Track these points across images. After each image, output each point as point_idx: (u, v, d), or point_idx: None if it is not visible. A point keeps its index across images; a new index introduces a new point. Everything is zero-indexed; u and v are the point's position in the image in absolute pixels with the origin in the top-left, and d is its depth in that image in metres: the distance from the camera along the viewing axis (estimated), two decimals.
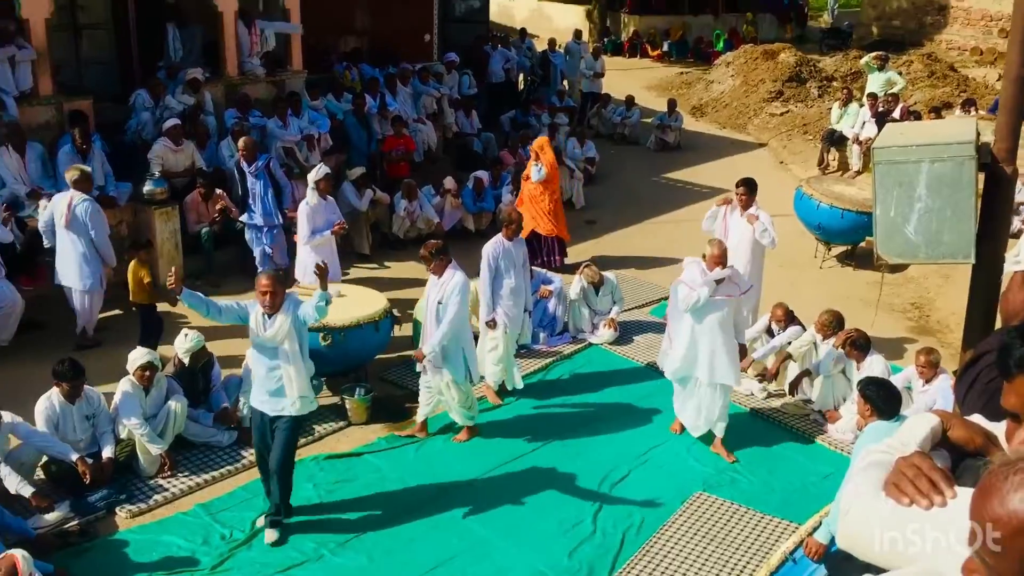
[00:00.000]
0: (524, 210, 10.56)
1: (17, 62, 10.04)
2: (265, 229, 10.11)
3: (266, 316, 6.04)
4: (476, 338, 8.35)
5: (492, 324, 8.09)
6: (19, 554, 5.05)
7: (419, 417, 7.65)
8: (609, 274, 9.87)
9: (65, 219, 8.53)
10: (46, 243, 8.83)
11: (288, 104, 12.00)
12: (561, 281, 9.72)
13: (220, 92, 12.04)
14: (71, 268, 8.66)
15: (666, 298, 10.06)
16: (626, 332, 9.66)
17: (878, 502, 1.71)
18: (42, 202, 9.33)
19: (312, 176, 9.62)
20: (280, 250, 10.29)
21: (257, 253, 10.20)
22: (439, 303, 7.11)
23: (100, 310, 9.06)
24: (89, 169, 8.97)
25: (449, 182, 12.23)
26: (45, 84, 10.32)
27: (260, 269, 9.55)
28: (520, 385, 8.34)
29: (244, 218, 10.14)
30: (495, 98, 17.59)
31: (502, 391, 8.37)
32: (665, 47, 27.18)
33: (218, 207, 10.45)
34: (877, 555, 1.71)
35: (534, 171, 10.94)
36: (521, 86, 18.85)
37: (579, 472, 7.22)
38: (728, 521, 6.61)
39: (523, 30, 20.68)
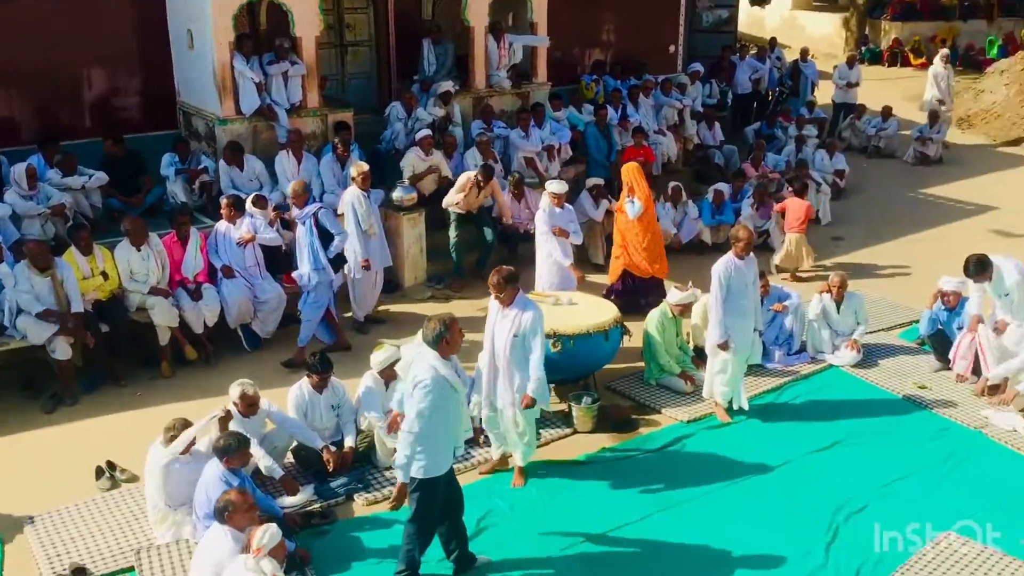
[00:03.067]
0: (618, 247, 10.02)
1: (289, 77, 10.93)
2: (312, 288, 8.90)
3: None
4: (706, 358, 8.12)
5: (725, 346, 7.78)
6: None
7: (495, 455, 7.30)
8: (855, 291, 9.30)
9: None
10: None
11: (531, 115, 12.29)
12: (799, 297, 9.26)
13: (468, 104, 12.53)
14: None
15: (917, 321, 9.37)
16: (871, 355, 9.08)
17: None
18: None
19: (550, 188, 9.65)
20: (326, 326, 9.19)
21: (304, 327, 9.01)
22: (515, 335, 6.51)
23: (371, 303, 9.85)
24: (367, 168, 9.55)
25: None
26: (313, 97, 11.16)
27: (301, 342, 8.90)
28: (746, 407, 8.00)
29: (295, 275, 9.04)
30: (741, 110, 17.17)
31: (730, 410, 8.09)
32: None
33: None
34: None
35: (628, 207, 9.78)
36: (769, 97, 18.24)
37: (812, 499, 6.84)
38: (979, 567, 6.02)
39: (773, 40, 19.99)
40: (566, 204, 9.73)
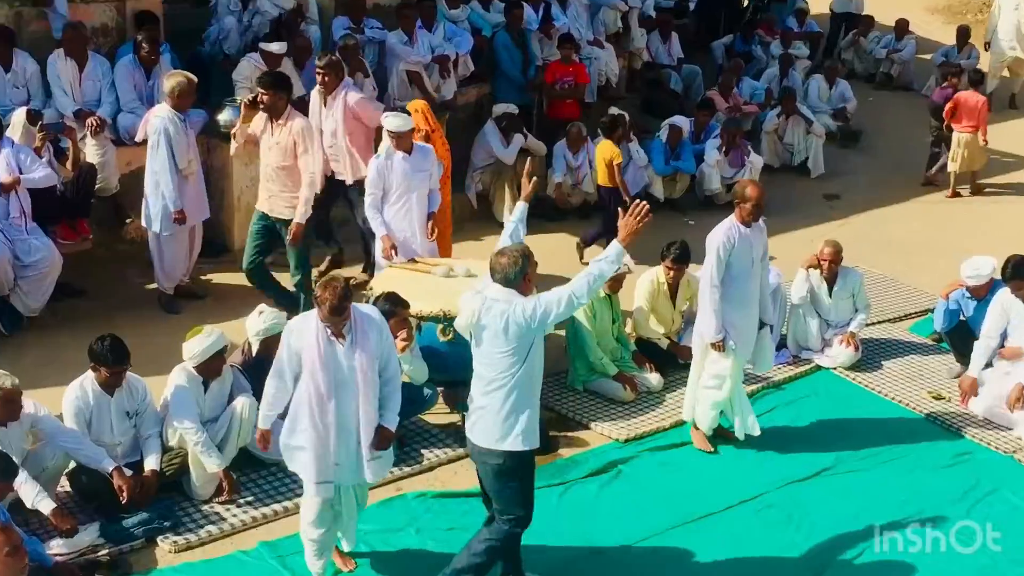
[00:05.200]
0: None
1: None
2: None
3: None
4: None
5: (720, 346, 7.78)
6: None
7: None
8: (853, 268, 9.62)
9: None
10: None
11: (418, 13, 12.29)
12: (780, 277, 9.46)
13: None
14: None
15: (933, 310, 9.72)
16: (872, 354, 9.45)
17: None
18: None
19: (386, 123, 8.98)
20: None
21: None
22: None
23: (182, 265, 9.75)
24: (194, 79, 9.34)
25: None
26: None
27: None
28: (757, 432, 8.04)
29: None
30: (707, 17, 17.47)
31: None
32: None
33: None
34: None
35: None
36: (745, 2, 18.65)
37: (795, 541, 7.12)
38: None
39: None
40: (420, 143, 9.21)
